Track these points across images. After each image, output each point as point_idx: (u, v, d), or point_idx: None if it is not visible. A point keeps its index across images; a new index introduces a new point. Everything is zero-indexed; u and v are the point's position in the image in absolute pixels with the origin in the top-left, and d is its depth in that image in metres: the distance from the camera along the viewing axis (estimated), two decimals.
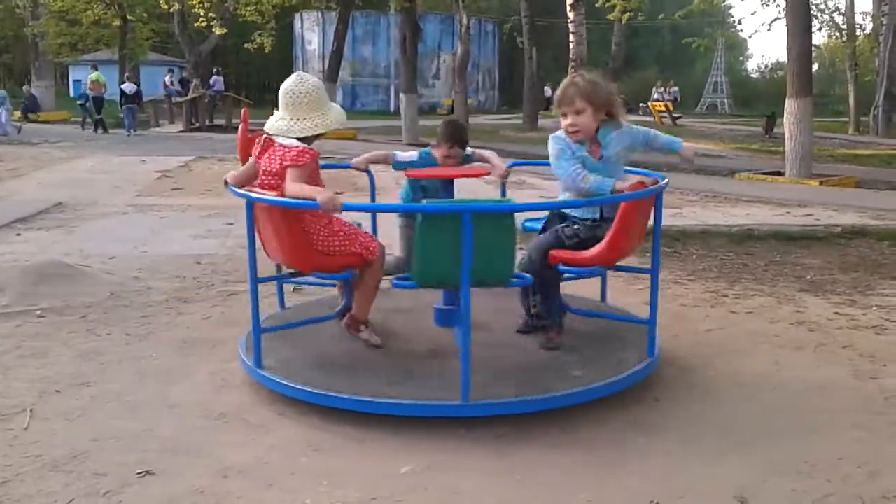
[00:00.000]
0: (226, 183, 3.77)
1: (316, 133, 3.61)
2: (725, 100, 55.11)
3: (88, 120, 22.94)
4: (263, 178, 3.60)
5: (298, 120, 3.56)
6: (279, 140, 3.58)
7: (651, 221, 3.74)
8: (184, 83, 26.83)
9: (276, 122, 3.60)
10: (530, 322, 3.96)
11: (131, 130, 22.27)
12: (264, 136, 3.66)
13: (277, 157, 3.54)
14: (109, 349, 4.23)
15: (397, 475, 2.89)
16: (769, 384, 3.82)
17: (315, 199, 3.26)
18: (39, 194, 9.87)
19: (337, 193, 3.44)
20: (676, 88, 41.54)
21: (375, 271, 3.79)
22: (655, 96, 37.16)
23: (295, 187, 3.38)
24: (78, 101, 23.34)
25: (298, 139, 3.55)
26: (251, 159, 3.76)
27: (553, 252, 3.67)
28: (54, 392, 3.63)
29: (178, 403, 3.53)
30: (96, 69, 24.30)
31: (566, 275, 3.83)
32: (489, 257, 3.24)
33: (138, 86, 24.59)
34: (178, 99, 25.44)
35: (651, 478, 2.87)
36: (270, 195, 3.41)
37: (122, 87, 23.48)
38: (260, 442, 3.16)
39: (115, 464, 2.93)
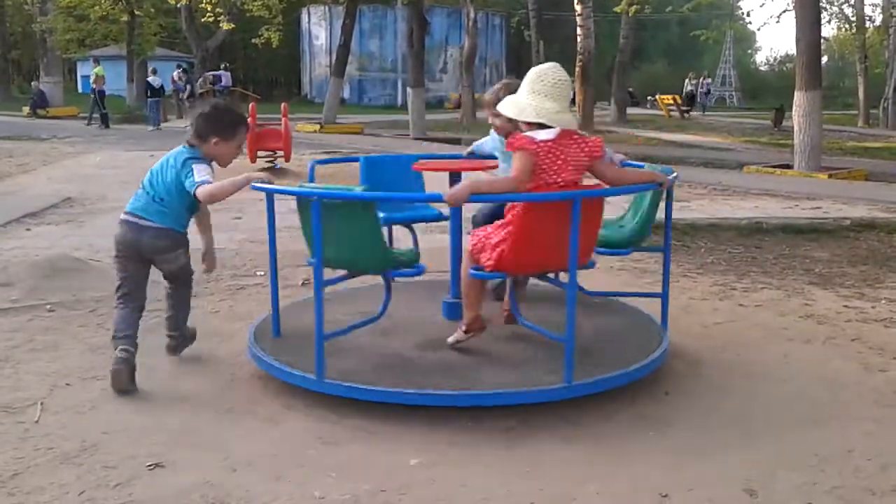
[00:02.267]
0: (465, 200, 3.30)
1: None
2: (734, 93, 54.89)
3: (95, 115, 22.96)
4: (575, 173, 3.40)
5: (570, 110, 3.51)
6: (579, 132, 3.48)
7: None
8: (191, 82, 26.23)
9: (561, 116, 3.37)
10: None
11: (156, 124, 22.29)
12: (559, 130, 3.38)
13: (586, 150, 3.42)
14: None
15: (406, 467, 2.89)
16: (778, 377, 3.81)
17: (656, 181, 3.64)
18: (49, 189, 9.91)
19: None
20: (710, 80, 40.40)
21: None
22: (689, 88, 36.43)
23: (627, 174, 3.71)
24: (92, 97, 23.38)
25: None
26: (526, 157, 3.32)
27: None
28: (65, 385, 3.65)
29: (186, 396, 3.54)
30: (98, 63, 24.32)
31: None
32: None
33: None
34: (199, 91, 25.42)
35: (660, 470, 2.87)
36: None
37: (149, 79, 23.56)
38: (268, 434, 3.17)
39: (125, 456, 2.95)
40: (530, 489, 2.75)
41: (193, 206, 3.74)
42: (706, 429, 3.23)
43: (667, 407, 3.46)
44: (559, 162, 3.35)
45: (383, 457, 2.97)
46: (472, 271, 3.53)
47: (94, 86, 22.85)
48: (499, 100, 3.75)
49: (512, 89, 3.69)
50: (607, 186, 3.53)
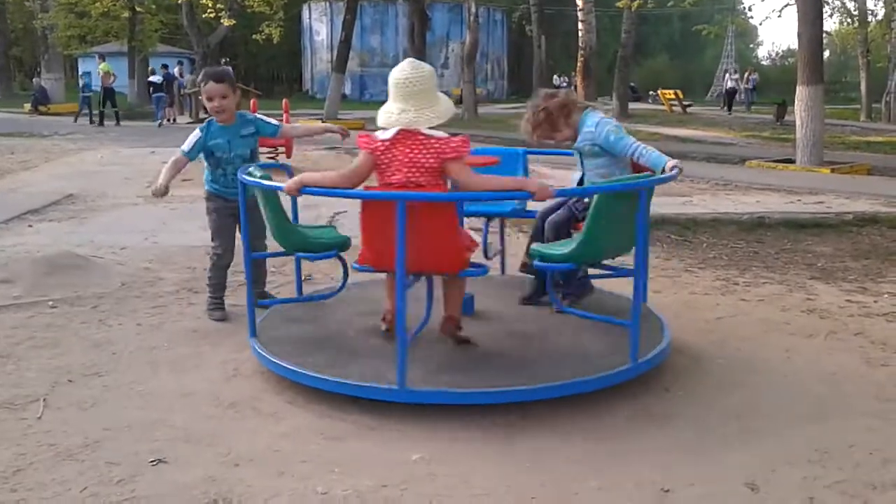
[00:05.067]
0: (297, 191, 3.42)
1: (442, 122, 3.37)
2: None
3: (95, 112, 22.80)
4: (410, 174, 3.31)
5: (427, 107, 3.33)
6: (426, 132, 3.32)
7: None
8: (168, 80, 25.25)
9: (400, 116, 3.33)
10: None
11: (161, 122, 22.30)
12: (396, 130, 3.34)
13: (433, 151, 3.28)
14: (121, 339, 4.25)
15: (408, 463, 2.90)
16: (780, 372, 3.81)
17: (526, 190, 3.23)
18: (51, 186, 9.91)
19: None
20: (756, 76, 37.44)
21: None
22: (730, 84, 35.05)
23: (490, 180, 3.33)
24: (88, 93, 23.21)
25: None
26: (363, 156, 3.41)
27: (579, 226, 3.88)
28: (67, 382, 3.66)
29: (189, 392, 3.55)
30: (104, 59, 24.23)
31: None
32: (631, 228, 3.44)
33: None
34: (188, 90, 25.40)
35: (661, 466, 2.87)
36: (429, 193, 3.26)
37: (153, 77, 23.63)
38: (271, 430, 3.17)
39: (127, 452, 2.95)
40: (531, 484, 2.75)
41: (210, 164, 4.53)
42: (707, 424, 3.24)
43: (668, 402, 3.46)
44: (395, 162, 3.33)
45: (385, 452, 2.98)
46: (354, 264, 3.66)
47: (100, 83, 22.72)
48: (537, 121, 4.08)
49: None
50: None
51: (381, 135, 3.39)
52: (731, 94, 34.04)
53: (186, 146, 4.45)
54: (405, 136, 3.32)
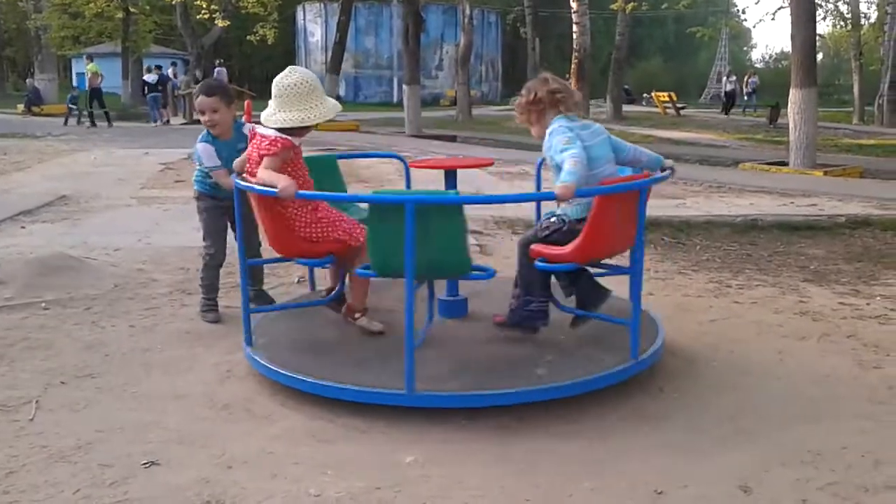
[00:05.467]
0: (230, 172, 4.03)
1: (290, 126, 3.59)
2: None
3: (85, 112, 22.68)
4: (248, 166, 3.75)
5: (278, 111, 3.62)
6: (259, 130, 3.70)
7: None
8: (162, 81, 24.94)
9: (263, 112, 3.72)
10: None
11: (157, 121, 22.23)
12: (251, 126, 3.84)
13: (255, 147, 3.68)
14: (114, 341, 4.24)
15: (401, 465, 2.89)
16: (773, 374, 3.82)
17: (275, 187, 3.41)
18: (44, 187, 9.87)
19: None
20: (756, 80, 36.62)
21: (362, 258, 3.71)
22: (728, 87, 34.64)
23: (263, 174, 3.52)
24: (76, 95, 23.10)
25: (279, 129, 3.60)
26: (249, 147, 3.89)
27: (533, 246, 3.62)
28: (59, 384, 3.65)
29: (182, 394, 3.54)
30: (91, 60, 24.13)
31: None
32: (440, 248, 3.25)
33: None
34: (181, 91, 25.36)
35: (654, 467, 2.88)
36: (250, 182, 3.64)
37: (146, 77, 23.69)
38: (264, 432, 3.17)
39: (120, 454, 2.95)
40: (525, 486, 2.75)
41: (205, 171, 4.48)
42: (701, 426, 3.24)
43: (662, 404, 3.47)
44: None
45: (378, 455, 2.98)
46: None
47: (88, 83, 22.62)
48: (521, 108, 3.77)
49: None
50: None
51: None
52: (730, 97, 34.08)
53: (215, 159, 4.34)
54: (253, 132, 3.79)
